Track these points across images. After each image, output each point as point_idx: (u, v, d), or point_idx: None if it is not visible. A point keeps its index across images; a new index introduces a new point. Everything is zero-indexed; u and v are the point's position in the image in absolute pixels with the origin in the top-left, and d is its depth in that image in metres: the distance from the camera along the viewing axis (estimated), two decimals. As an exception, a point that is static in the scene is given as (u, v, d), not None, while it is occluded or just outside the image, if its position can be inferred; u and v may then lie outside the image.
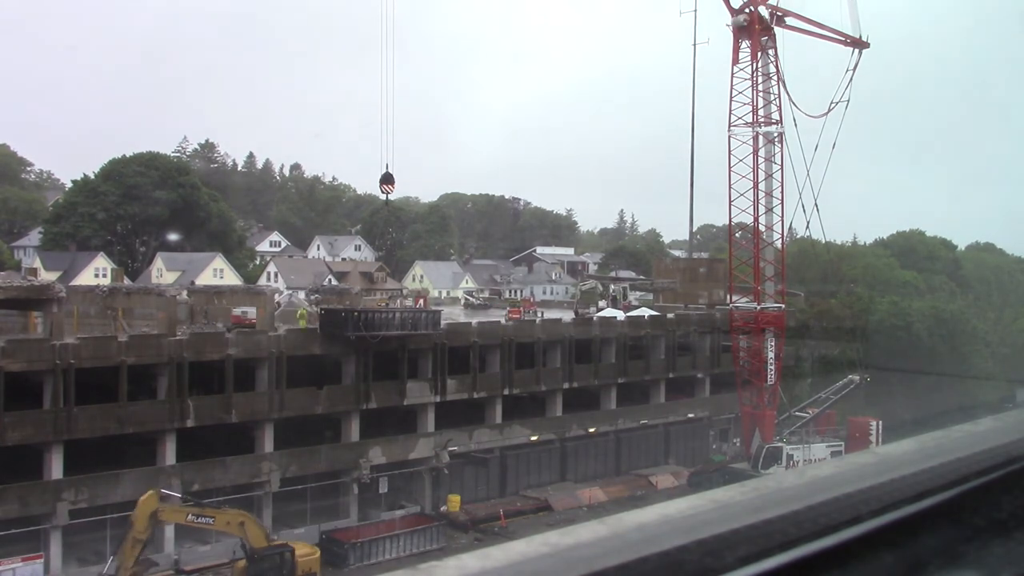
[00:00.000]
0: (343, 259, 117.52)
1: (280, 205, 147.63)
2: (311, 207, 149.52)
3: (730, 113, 53.95)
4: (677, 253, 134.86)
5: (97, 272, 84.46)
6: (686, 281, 73.70)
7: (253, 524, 34.81)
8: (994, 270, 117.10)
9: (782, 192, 53.89)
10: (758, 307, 54.98)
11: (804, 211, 54.21)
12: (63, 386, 36.95)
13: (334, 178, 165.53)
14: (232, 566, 36.29)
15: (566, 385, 54.55)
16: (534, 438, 52.72)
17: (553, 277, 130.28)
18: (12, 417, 36.12)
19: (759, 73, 53.66)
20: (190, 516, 34.55)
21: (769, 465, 50.67)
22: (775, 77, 53.85)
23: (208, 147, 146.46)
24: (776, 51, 54.01)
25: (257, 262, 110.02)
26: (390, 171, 47.82)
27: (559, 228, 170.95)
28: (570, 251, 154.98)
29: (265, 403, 42.81)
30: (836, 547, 1.90)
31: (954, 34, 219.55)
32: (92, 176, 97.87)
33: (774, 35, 54.10)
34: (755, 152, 53.74)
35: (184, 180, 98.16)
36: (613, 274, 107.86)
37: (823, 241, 67.41)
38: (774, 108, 53.86)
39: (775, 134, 53.87)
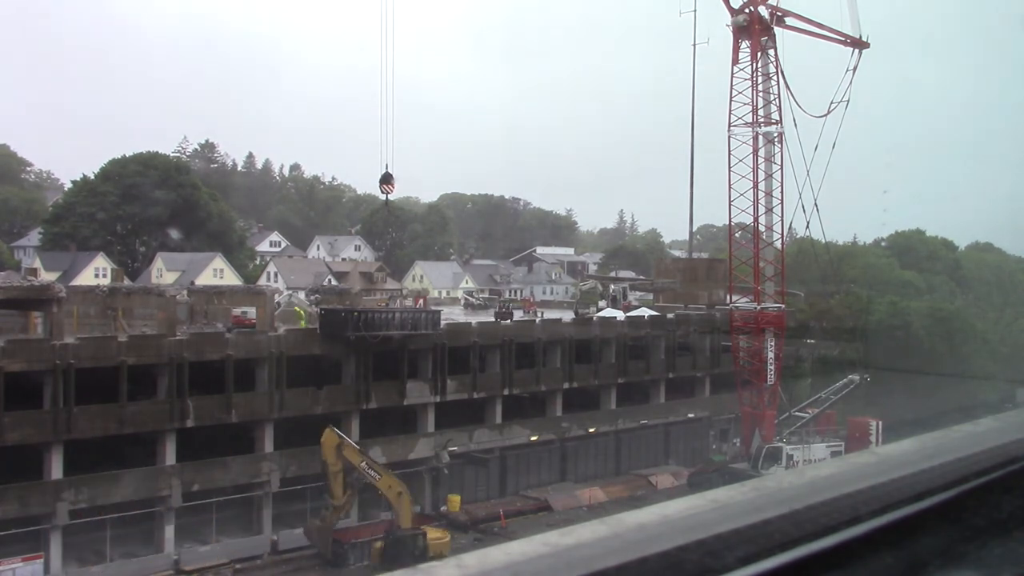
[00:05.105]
0: (343, 259, 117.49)
1: (280, 205, 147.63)
2: (311, 207, 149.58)
3: (730, 113, 53.91)
4: (677, 253, 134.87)
5: (97, 272, 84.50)
6: (686, 281, 73.63)
7: (407, 502, 38.62)
8: (994, 270, 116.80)
9: (782, 192, 53.86)
10: (758, 307, 54.94)
11: (804, 211, 54.18)
12: (63, 386, 36.94)
13: (334, 178, 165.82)
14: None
15: (566, 385, 54.51)
16: (534, 438, 52.68)
17: (553, 277, 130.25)
18: (12, 417, 36.07)
19: (759, 73, 53.62)
20: (364, 463, 38.44)
21: (769, 465, 50.62)
22: (775, 77, 53.84)
23: (208, 147, 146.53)
24: (776, 51, 54.01)
25: (257, 262, 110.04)
26: (390, 171, 47.79)
27: (559, 228, 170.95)
28: (570, 251, 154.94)
29: (265, 403, 42.78)
30: (836, 547, 1.90)
31: (954, 33, 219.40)
32: (92, 176, 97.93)
33: (774, 35, 54.03)
34: (755, 152, 53.68)
35: (184, 180, 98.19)
36: (613, 274, 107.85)
37: (823, 241, 67.33)
38: (774, 108, 53.80)
39: (775, 134, 53.83)
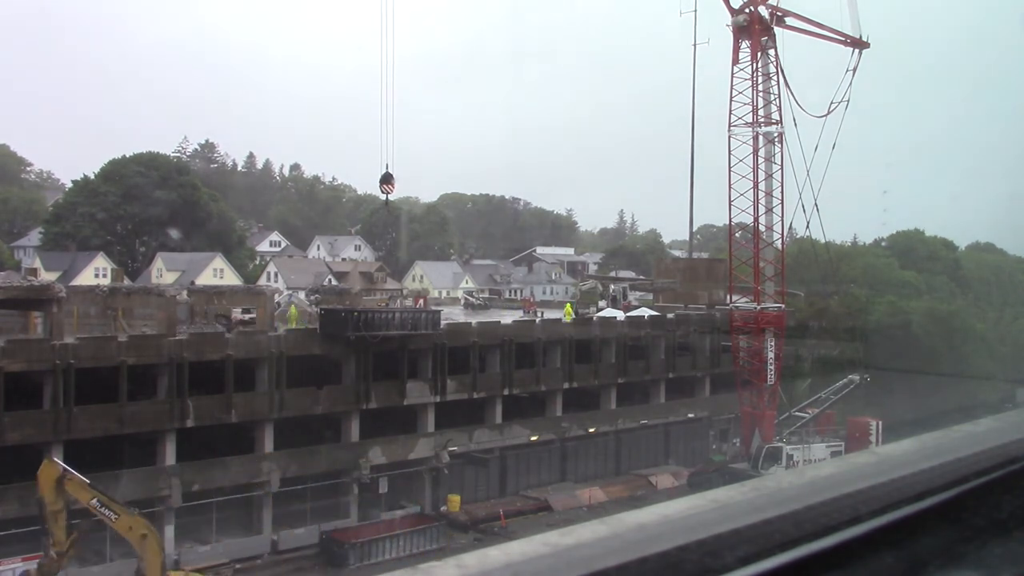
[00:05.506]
0: (343, 259, 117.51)
1: (280, 205, 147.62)
2: (311, 207, 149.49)
3: (730, 113, 53.90)
4: (677, 253, 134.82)
5: (97, 272, 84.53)
6: (686, 281, 73.62)
7: (155, 544, 31.97)
8: (994, 270, 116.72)
9: (782, 192, 53.82)
10: (758, 307, 54.94)
11: (804, 211, 54.14)
12: (63, 386, 36.94)
13: (334, 178, 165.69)
14: None
15: (566, 385, 54.50)
16: (534, 438, 52.68)
17: (553, 277, 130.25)
18: (12, 417, 36.12)
19: (759, 73, 53.62)
20: (94, 500, 31.61)
21: (769, 465, 50.61)
22: (775, 77, 53.83)
23: (208, 147, 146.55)
24: (776, 51, 54.00)
25: (257, 262, 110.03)
26: (390, 171, 47.73)
27: (559, 228, 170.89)
28: (570, 251, 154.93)
29: (265, 403, 42.79)
30: (836, 547, 1.90)
31: (954, 33, 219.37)
32: (92, 176, 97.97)
33: (774, 35, 54.00)
34: (755, 152, 53.66)
35: (184, 180, 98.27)
36: (613, 274, 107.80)
37: (823, 241, 67.29)
38: (774, 108, 53.77)
39: (775, 134, 53.82)
